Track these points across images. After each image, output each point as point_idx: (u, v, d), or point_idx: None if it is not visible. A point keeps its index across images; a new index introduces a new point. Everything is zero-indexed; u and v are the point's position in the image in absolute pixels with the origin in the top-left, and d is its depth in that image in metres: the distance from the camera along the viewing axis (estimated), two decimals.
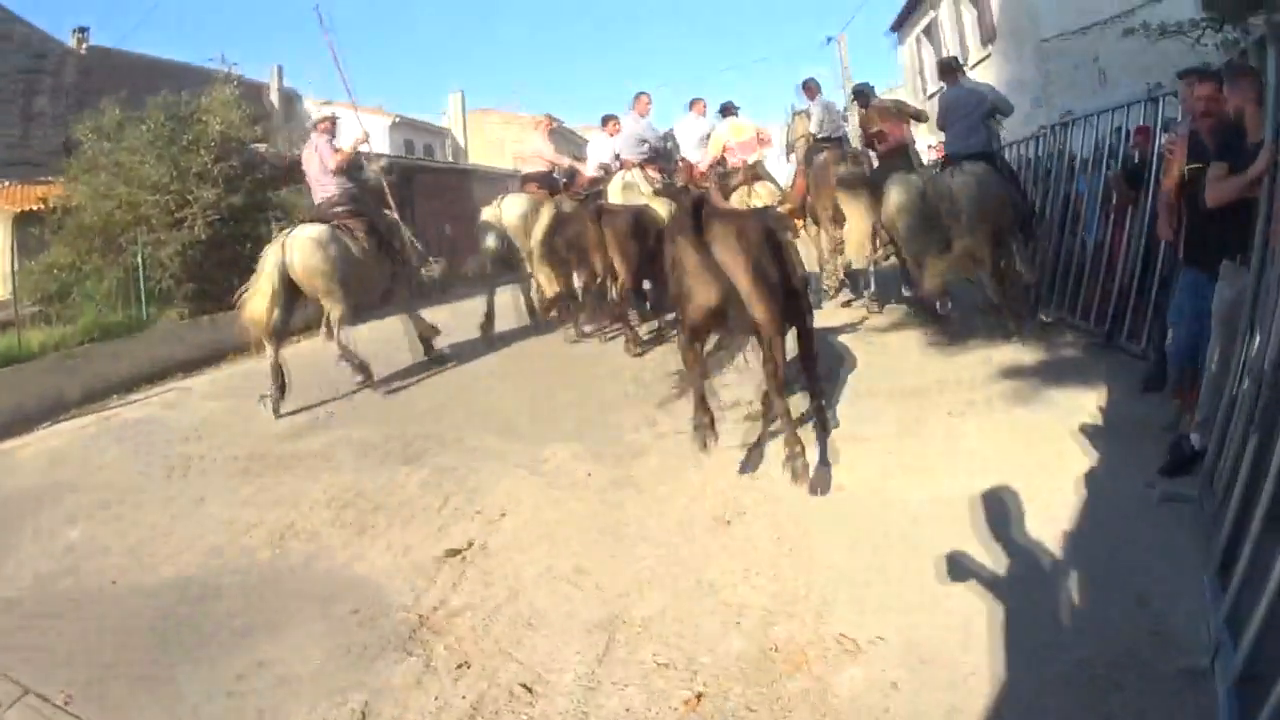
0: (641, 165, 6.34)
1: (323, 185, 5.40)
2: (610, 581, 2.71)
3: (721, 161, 6.47)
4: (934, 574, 2.54)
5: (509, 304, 6.92)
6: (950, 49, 12.98)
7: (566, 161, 6.91)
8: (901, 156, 5.64)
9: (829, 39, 22.24)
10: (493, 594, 2.70)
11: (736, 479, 3.40)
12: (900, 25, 16.84)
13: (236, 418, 5.01)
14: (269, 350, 4.89)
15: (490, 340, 6.37)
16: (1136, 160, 4.74)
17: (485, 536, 3.11)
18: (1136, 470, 3.06)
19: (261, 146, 9.72)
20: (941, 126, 5.57)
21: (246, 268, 5.55)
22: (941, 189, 4.97)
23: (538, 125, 6.96)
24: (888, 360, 4.90)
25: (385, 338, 6.07)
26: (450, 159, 21.82)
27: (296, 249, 4.91)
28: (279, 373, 4.88)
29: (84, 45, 12.42)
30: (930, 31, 14.89)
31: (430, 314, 6.11)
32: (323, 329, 5.18)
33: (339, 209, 5.32)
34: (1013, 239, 5.06)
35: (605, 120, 6.79)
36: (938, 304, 5.19)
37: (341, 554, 3.08)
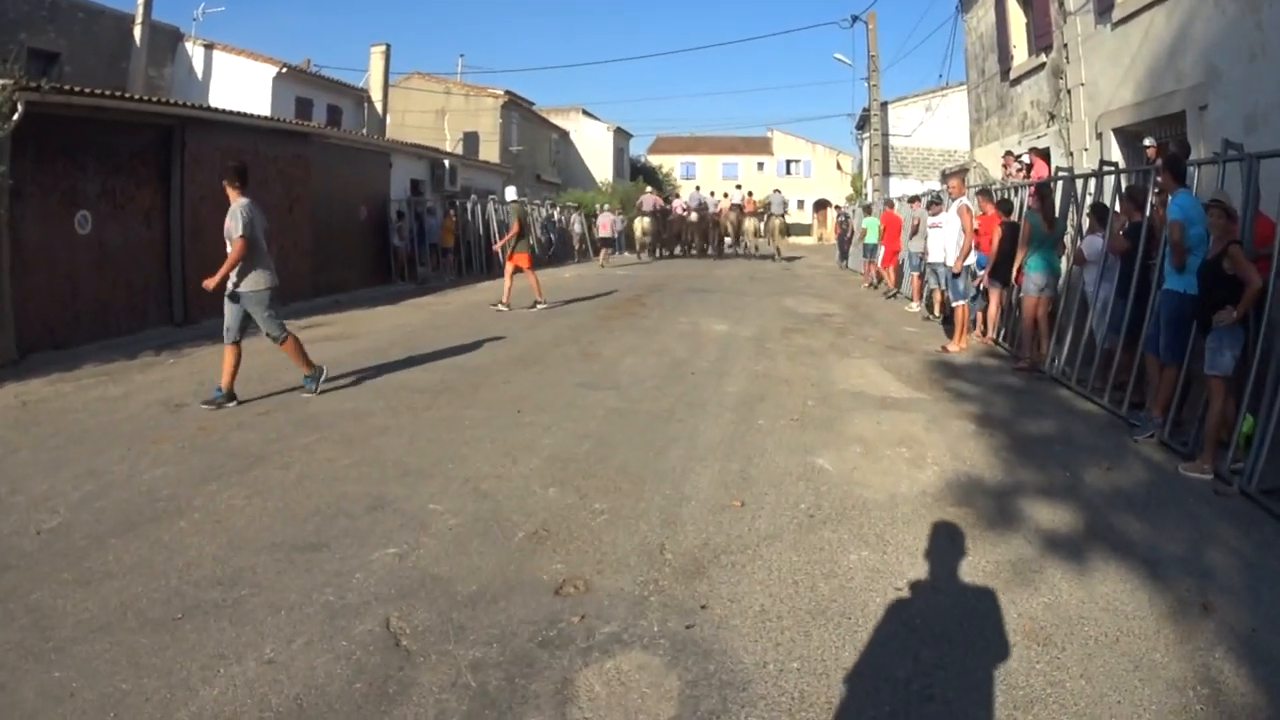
0: (687, 209, 22.00)
1: (654, 204, 20.97)
2: None
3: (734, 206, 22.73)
4: None
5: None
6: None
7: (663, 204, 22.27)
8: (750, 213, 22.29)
9: (855, 18, 19.44)
10: None
11: None
12: None
13: None
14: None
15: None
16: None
17: None
18: None
19: None
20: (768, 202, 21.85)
21: None
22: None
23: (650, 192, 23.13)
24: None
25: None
26: (364, 127, 18.04)
27: (640, 220, 20.68)
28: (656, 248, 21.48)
29: None
30: None
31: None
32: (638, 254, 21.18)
33: (658, 213, 21.11)
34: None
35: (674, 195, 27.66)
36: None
37: None
